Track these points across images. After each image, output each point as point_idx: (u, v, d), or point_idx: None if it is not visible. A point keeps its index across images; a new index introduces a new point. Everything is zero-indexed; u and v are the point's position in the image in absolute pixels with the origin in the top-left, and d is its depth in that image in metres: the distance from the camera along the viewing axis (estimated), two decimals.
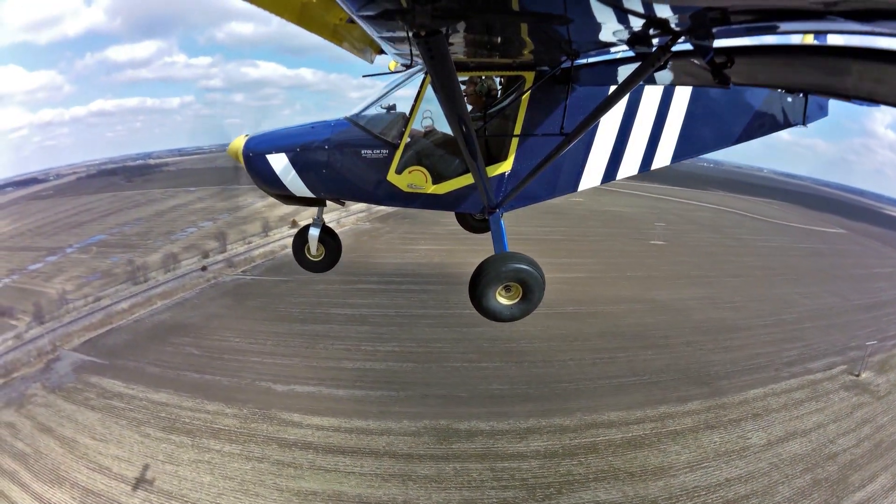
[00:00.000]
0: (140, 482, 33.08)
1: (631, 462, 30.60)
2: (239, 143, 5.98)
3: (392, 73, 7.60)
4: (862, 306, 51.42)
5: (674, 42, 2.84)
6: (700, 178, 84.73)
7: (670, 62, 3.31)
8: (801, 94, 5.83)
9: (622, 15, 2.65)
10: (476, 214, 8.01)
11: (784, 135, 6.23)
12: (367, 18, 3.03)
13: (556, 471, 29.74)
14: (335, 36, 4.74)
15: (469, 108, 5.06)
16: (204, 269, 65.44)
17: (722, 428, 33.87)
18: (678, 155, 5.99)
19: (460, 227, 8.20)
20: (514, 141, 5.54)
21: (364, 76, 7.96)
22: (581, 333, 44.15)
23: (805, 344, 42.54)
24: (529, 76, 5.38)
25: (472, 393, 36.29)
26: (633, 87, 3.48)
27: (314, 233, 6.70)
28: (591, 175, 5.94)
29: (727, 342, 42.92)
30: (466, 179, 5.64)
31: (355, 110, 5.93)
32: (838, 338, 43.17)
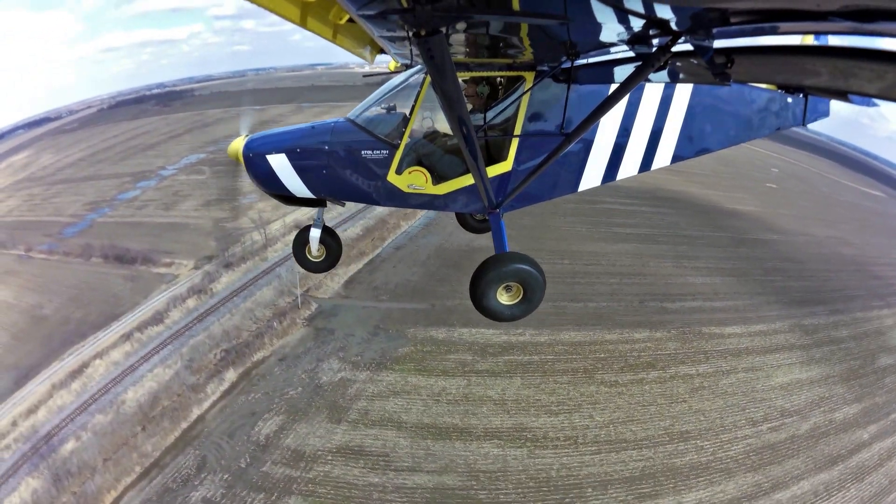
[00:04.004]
0: (668, 434, 31.41)
1: (880, 342, 49.15)
2: (239, 143, 6.08)
3: (392, 73, 7.80)
4: None
5: (674, 42, 2.92)
6: None
7: (670, 62, 3.42)
8: (801, 94, 5.96)
9: (622, 15, 2.73)
10: (476, 214, 8.23)
11: None
12: (367, 18, 3.09)
13: (862, 347, 46.88)
14: (335, 36, 4.84)
15: (469, 108, 5.13)
16: None
17: None
18: (678, 155, 6.10)
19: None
20: (515, 141, 5.62)
21: (364, 76, 8.05)
22: (796, 257, 60.43)
23: None
24: (529, 76, 5.48)
25: (790, 298, 50.97)
26: (632, 87, 3.60)
27: (315, 234, 6.75)
28: (592, 175, 6.04)
29: (873, 272, 63.27)
30: (466, 180, 5.69)
31: (355, 111, 6.04)
32: None
